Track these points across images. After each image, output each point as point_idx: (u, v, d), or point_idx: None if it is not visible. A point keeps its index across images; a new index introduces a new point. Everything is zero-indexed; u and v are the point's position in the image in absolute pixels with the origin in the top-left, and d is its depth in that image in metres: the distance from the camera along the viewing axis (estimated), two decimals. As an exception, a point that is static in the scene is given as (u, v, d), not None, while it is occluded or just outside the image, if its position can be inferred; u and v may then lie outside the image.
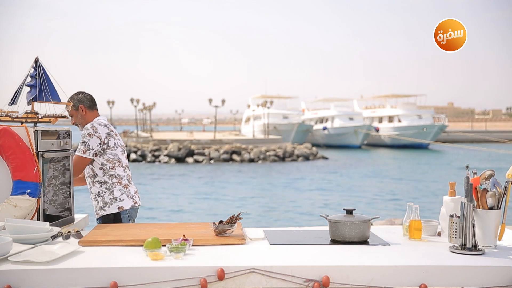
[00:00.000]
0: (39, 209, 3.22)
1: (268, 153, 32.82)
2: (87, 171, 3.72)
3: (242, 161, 31.58)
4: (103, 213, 3.64)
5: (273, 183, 22.23)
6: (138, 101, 44.38)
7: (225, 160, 31.58)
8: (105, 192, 3.65)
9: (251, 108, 54.78)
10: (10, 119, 3.35)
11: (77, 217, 3.76)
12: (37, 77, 3.43)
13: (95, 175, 3.69)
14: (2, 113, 3.35)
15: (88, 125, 3.67)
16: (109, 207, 3.64)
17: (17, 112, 3.41)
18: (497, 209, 2.61)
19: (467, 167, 2.64)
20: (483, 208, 2.60)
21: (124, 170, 3.74)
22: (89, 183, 3.71)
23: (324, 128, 50.63)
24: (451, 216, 2.61)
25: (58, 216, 3.44)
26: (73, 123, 3.74)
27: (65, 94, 3.59)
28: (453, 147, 41.53)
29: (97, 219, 3.73)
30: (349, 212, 2.81)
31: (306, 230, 3.25)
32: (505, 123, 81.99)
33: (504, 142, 47.48)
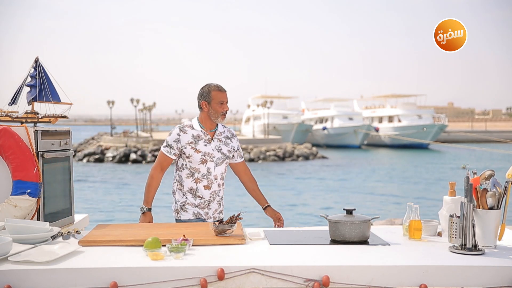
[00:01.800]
0: (39, 209, 3.22)
1: (268, 153, 32.83)
2: (222, 173, 3.70)
3: (242, 161, 31.58)
4: (221, 216, 3.70)
5: (273, 183, 22.23)
6: (138, 101, 44.37)
7: (225, 160, 31.57)
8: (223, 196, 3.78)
9: (251, 108, 54.80)
10: (10, 119, 3.35)
11: (77, 217, 3.76)
12: (37, 77, 3.43)
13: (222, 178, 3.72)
14: (2, 113, 3.35)
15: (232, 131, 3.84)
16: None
17: (17, 112, 3.42)
18: (497, 209, 2.61)
19: (463, 167, 2.63)
20: (483, 208, 2.60)
21: None
22: (219, 186, 3.65)
23: (324, 128, 50.62)
24: (451, 216, 2.61)
25: (58, 216, 3.44)
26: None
27: (65, 94, 3.60)
28: (453, 147, 41.53)
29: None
30: (349, 212, 2.81)
31: (306, 230, 3.25)
32: (505, 123, 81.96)
33: (504, 142, 47.49)
